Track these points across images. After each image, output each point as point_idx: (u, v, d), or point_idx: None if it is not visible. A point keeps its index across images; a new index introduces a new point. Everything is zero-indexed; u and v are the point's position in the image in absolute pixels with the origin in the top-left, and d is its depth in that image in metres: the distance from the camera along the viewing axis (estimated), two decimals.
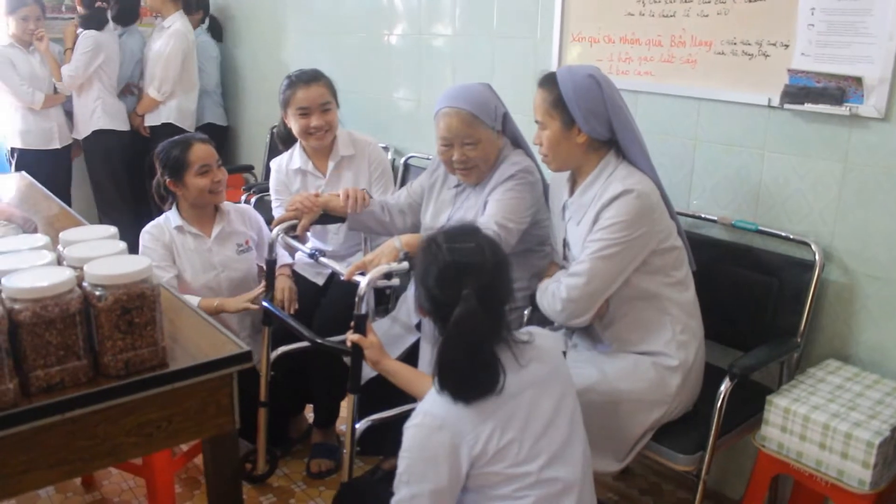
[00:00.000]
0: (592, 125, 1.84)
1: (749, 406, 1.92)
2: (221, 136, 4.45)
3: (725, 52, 2.14)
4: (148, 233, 2.48)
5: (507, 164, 2.13)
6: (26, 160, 3.94)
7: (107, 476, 2.49)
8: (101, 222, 4.32)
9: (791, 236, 2.05)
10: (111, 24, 4.04)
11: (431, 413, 1.39)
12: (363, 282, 1.86)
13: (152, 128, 4.12)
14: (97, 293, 1.28)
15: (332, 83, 2.60)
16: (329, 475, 2.51)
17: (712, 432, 1.80)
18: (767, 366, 2.01)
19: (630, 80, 2.37)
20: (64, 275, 1.27)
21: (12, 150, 4.02)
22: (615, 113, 1.86)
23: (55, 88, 4.03)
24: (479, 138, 2.07)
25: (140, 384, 1.32)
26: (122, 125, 4.12)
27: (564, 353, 2.01)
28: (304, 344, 2.25)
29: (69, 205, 4.15)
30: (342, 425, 2.65)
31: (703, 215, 2.25)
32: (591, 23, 2.48)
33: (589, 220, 1.86)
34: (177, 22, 4.02)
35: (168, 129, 3.93)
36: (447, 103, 2.09)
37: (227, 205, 2.61)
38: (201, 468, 2.43)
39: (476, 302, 1.36)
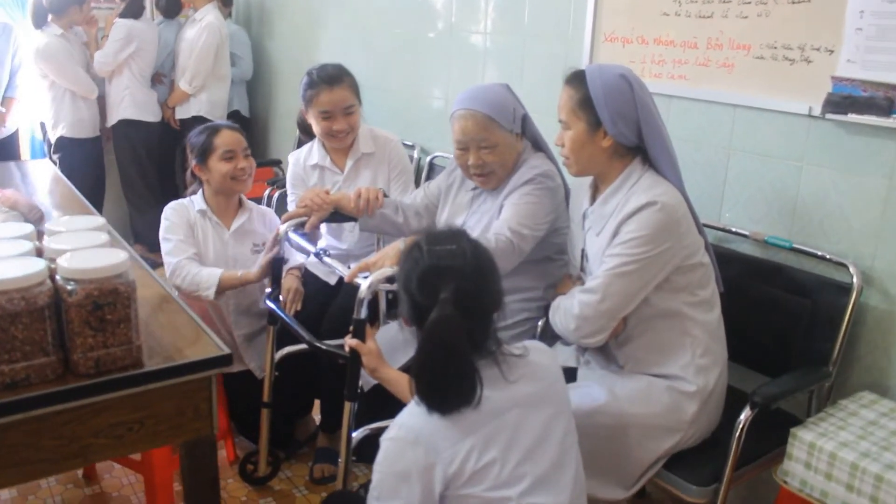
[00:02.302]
0: (620, 128, 1.73)
1: (773, 437, 1.78)
2: (244, 127, 4.42)
3: (765, 56, 2.00)
4: (171, 208, 2.46)
5: (526, 167, 2.02)
6: (73, 148, 3.95)
7: (108, 470, 2.46)
8: (129, 211, 4.34)
9: (828, 256, 1.91)
10: (148, 13, 4.04)
11: (407, 426, 1.31)
12: (363, 285, 1.78)
13: (182, 120, 4.12)
14: (68, 287, 1.22)
15: (355, 81, 2.52)
16: (332, 481, 2.44)
17: (729, 463, 1.67)
18: (795, 395, 1.87)
19: (663, 83, 2.25)
20: (32, 267, 1.21)
21: (60, 139, 3.98)
22: (645, 117, 1.74)
23: None
24: (495, 142, 1.97)
25: (111, 384, 1.27)
26: (151, 116, 4.11)
27: (576, 370, 1.92)
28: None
29: (103, 192, 4.17)
30: None
31: (734, 229, 2.11)
32: (625, 22, 2.36)
33: (609, 232, 1.75)
34: (209, 14, 4.00)
35: (198, 123, 3.89)
36: (462, 105, 1.99)
37: (251, 203, 2.57)
38: None
39: (453, 307, 1.27)
